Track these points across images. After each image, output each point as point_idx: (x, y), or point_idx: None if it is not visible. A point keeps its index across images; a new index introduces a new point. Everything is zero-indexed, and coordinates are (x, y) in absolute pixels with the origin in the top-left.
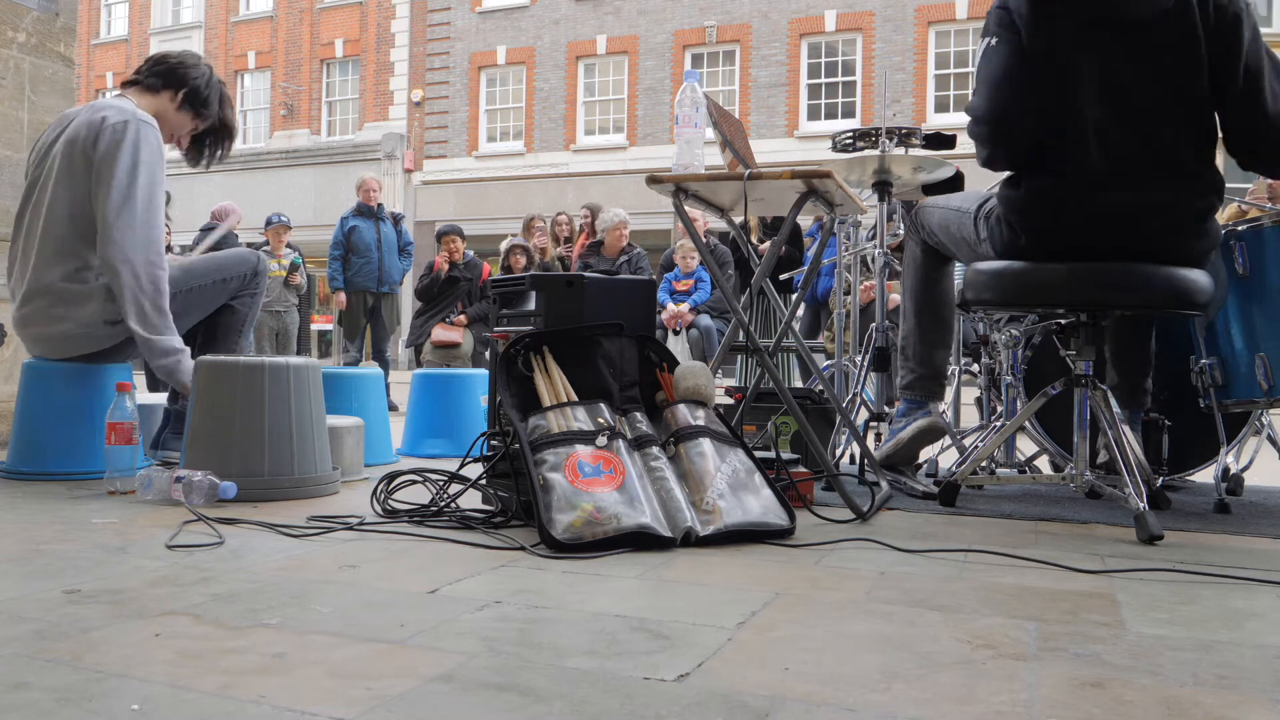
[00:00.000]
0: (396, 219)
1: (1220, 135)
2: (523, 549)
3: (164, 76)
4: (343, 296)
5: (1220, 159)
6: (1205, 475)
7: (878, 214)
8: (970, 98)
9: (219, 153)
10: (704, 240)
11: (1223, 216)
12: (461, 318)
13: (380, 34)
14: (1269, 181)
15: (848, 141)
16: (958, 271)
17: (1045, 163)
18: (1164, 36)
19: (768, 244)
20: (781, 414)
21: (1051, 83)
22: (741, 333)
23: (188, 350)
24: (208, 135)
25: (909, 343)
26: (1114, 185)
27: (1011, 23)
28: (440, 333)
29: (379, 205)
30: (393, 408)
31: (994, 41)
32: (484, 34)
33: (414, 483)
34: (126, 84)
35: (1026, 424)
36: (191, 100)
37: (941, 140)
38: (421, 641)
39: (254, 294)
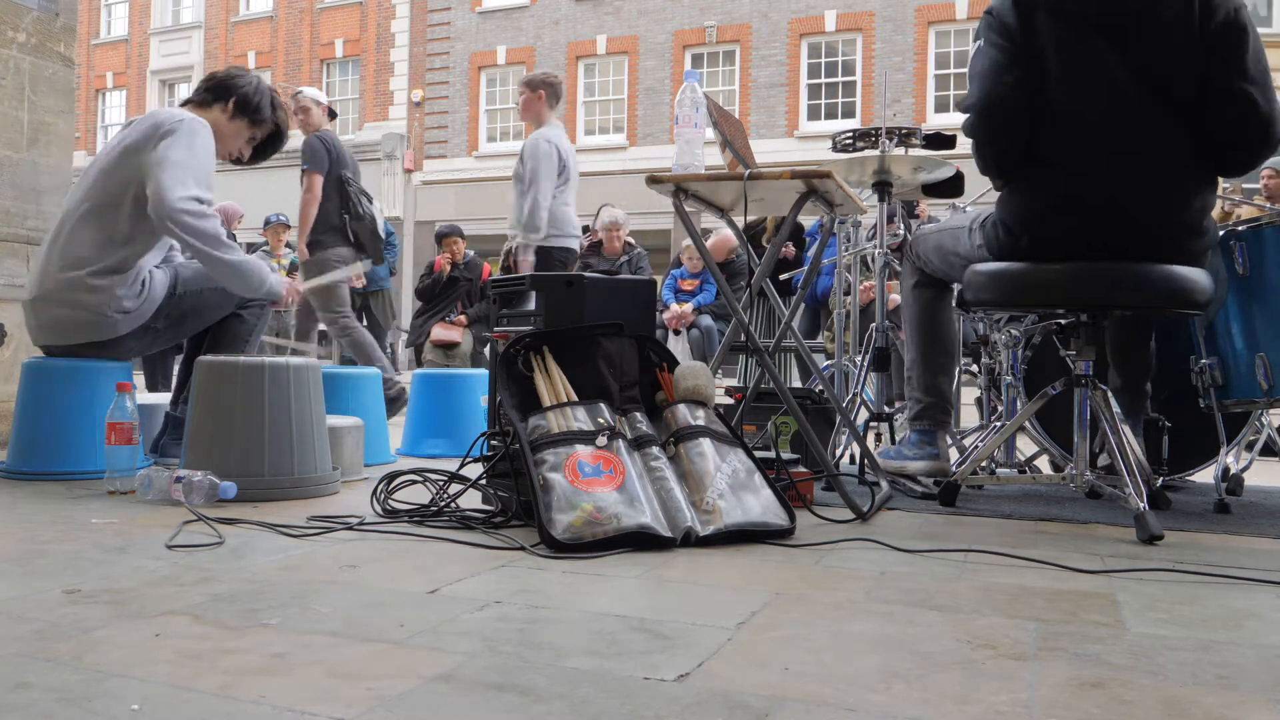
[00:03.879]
0: None
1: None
2: (523, 549)
3: (213, 91)
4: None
5: None
6: (1205, 475)
7: (878, 214)
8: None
9: (271, 153)
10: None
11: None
12: (461, 317)
13: (380, 34)
14: (1264, 182)
15: (848, 141)
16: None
17: (1043, 160)
18: (1151, 33)
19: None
20: (781, 414)
21: (1045, 80)
22: (742, 333)
23: (264, 264)
24: (265, 143)
25: (914, 373)
26: (1112, 182)
27: (1000, 27)
28: (439, 331)
29: None
30: None
31: (982, 44)
32: (484, 34)
33: (414, 483)
34: (184, 103)
35: (1026, 424)
36: (243, 108)
37: (941, 140)
38: (421, 641)
39: (263, 305)
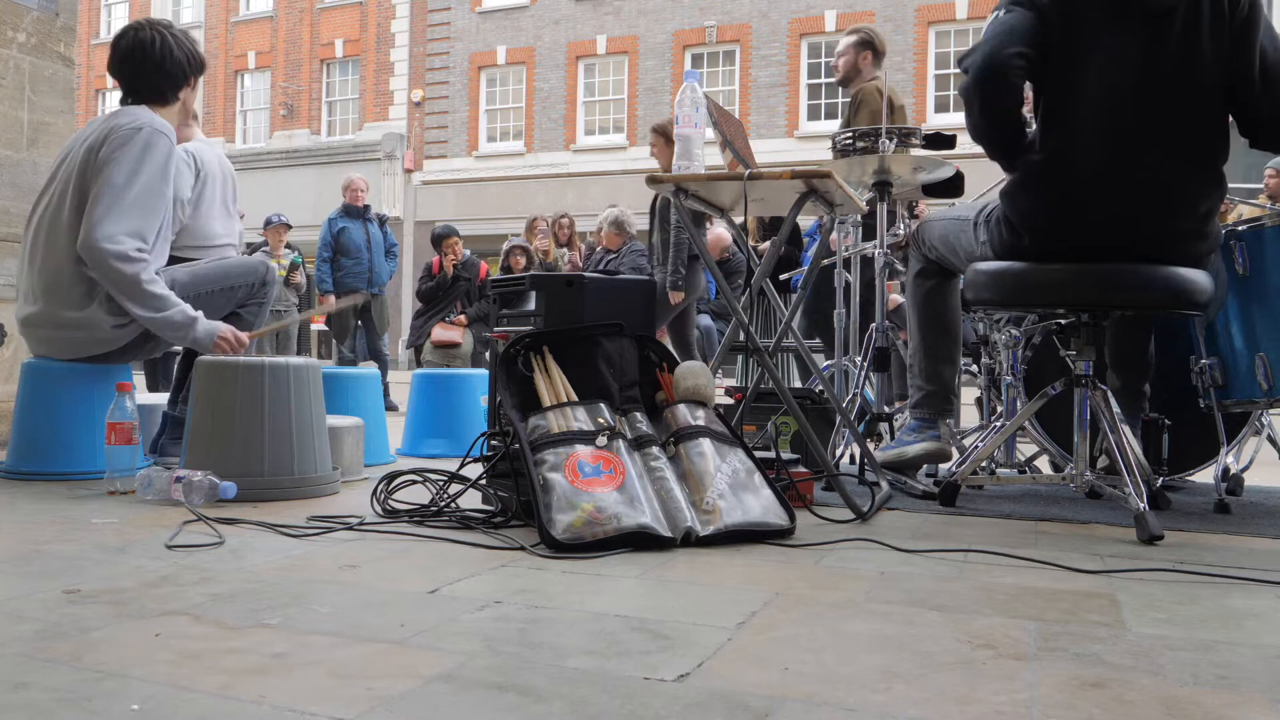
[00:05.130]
0: (382, 220)
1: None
2: (523, 549)
3: (166, 79)
4: (331, 299)
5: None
6: (1205, 475)
7: (878, 214)
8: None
9: None
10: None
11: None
12: (461, 318)
13: (380, 34)
14: (1266, 181)
15: (848, 142)
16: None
17: (1048, 158)
18: (1182, 28)
19: (767, 244)
20: (781, 414)
21: (1068, 70)
22: (741, 332)
23: (199, 314)
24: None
25: (916, 360)
26: (1119, 184)
27: (1030, 3)
28: (440, 332)
29: (365, 206)
30: (393, 408)
31: (1003, 13)
32: (484, 34)
33: (414, 483)
34: (134, 98)
35: (1026, 424)
36: (199, 69)
37: (941, 140)
38: (421, 641)
39: (261, 303)
